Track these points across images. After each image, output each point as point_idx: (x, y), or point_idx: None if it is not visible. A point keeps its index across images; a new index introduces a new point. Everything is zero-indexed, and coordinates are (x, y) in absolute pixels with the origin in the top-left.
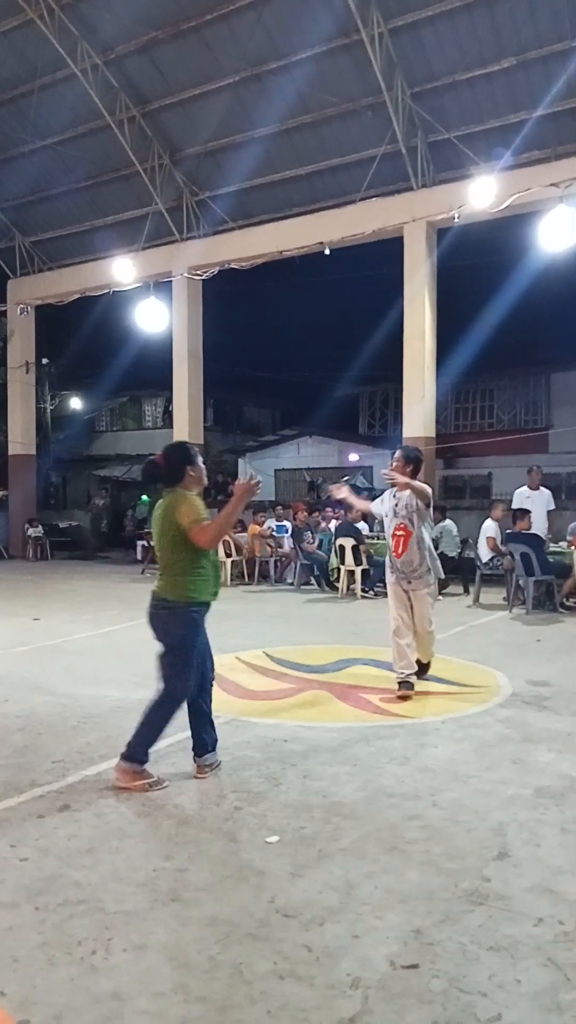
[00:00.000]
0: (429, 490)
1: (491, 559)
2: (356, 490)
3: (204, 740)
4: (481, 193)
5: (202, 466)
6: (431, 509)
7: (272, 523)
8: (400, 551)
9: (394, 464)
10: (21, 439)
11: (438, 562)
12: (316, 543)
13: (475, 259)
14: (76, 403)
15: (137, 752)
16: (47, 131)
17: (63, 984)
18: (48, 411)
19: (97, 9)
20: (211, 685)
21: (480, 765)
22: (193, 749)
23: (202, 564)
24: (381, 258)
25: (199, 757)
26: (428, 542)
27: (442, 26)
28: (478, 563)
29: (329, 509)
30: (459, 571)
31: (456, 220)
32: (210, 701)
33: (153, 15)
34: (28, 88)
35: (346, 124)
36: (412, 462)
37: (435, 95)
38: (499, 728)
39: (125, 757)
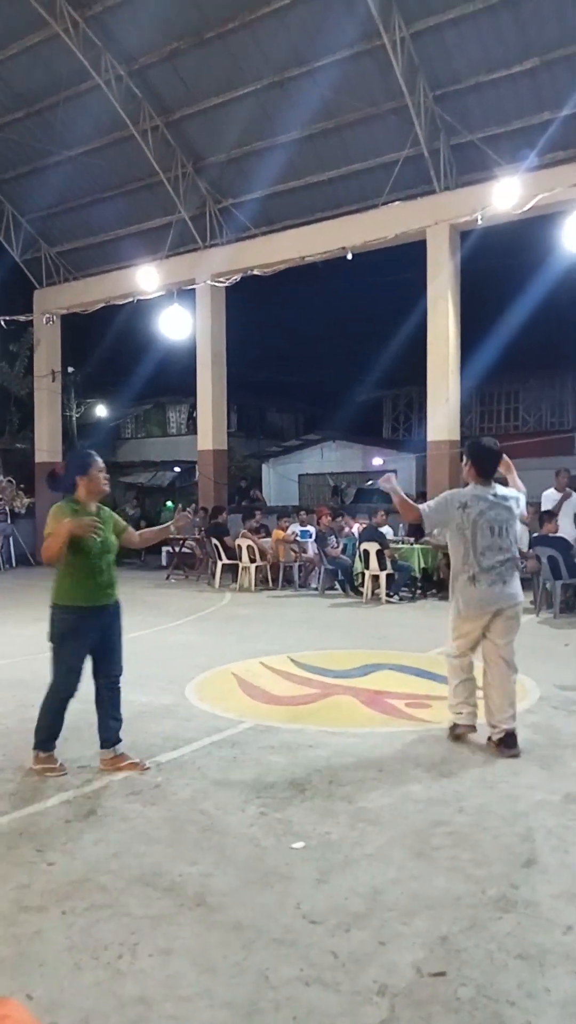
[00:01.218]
0: (411, 510)
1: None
2: (381, 495)
3: (106, 735)
4: (505, 195)
5: (96, 475)
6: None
7: (296, 528)
8: None
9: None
10: (47, 447)
11: (455, 593)
12: (340, 548)
13: (499, 261)
14: (101, 411)
15: (38, 738)
16: (72, 142)
17: (90, 988)
18: (74, 419)
19: (120, 20)
20: (116, 682)
21: (507, 770)
22: (100, 743)
23: (72, 569)
24: (404, 261)
25: (101, 750)
26: (452, 561)
27: (465, 28)
28: None
29: (349, 516)
30: None
31: (479, 222)
32: (116, 697)
33: (176, 24)
34: (53, 100)
35: (369, 128)
36: (469, 457)
37: (458, 97)
38: (526, 733)
39: (34, 745)
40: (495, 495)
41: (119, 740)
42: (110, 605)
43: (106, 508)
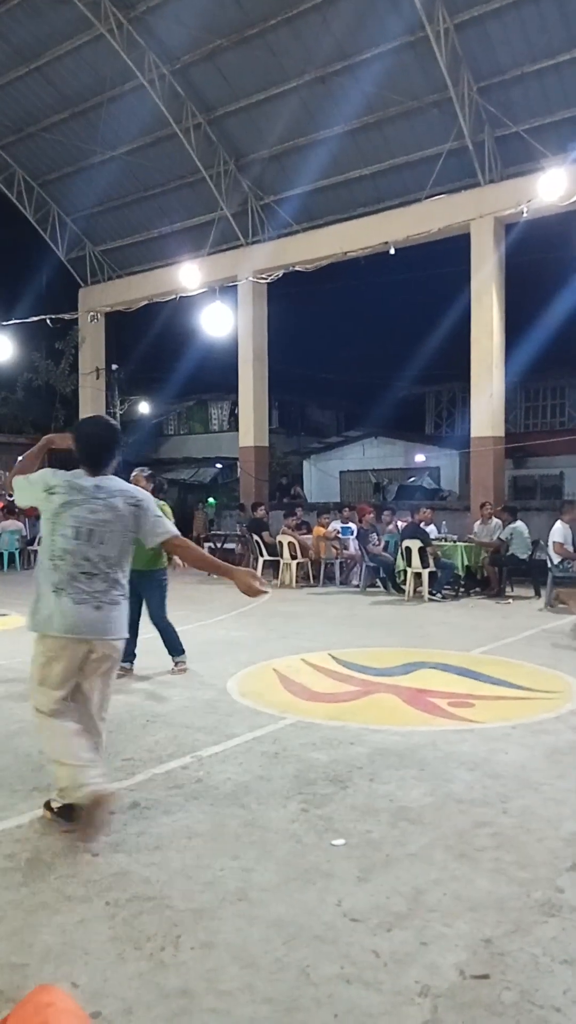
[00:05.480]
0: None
1: (562, 561)
2: (423, 492)
3: None
4: (551, 186)
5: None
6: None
7: (337, 525)
8: None
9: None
10: None
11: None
12: (382, 545)
13: (544, 253)
14: (144, 407)
15: None
16: (116, 142)
17: (133, 978)
18: (118, 415)
19: (164, 20)
20: None
21: (552, 772)
22: None
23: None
24: (447, 255)
25: None
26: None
27: (508, 18)
28: (549, 565)
29: (388, 512)
30: (530, 573)
31: (525, 214)
32: None
33: (218, 23)
34: (98, 100)
35: (411, 122)
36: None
37: (502, 89)
38: (571, 735)
39: None
40: (98, 487)
41: None
42: None
43: None
